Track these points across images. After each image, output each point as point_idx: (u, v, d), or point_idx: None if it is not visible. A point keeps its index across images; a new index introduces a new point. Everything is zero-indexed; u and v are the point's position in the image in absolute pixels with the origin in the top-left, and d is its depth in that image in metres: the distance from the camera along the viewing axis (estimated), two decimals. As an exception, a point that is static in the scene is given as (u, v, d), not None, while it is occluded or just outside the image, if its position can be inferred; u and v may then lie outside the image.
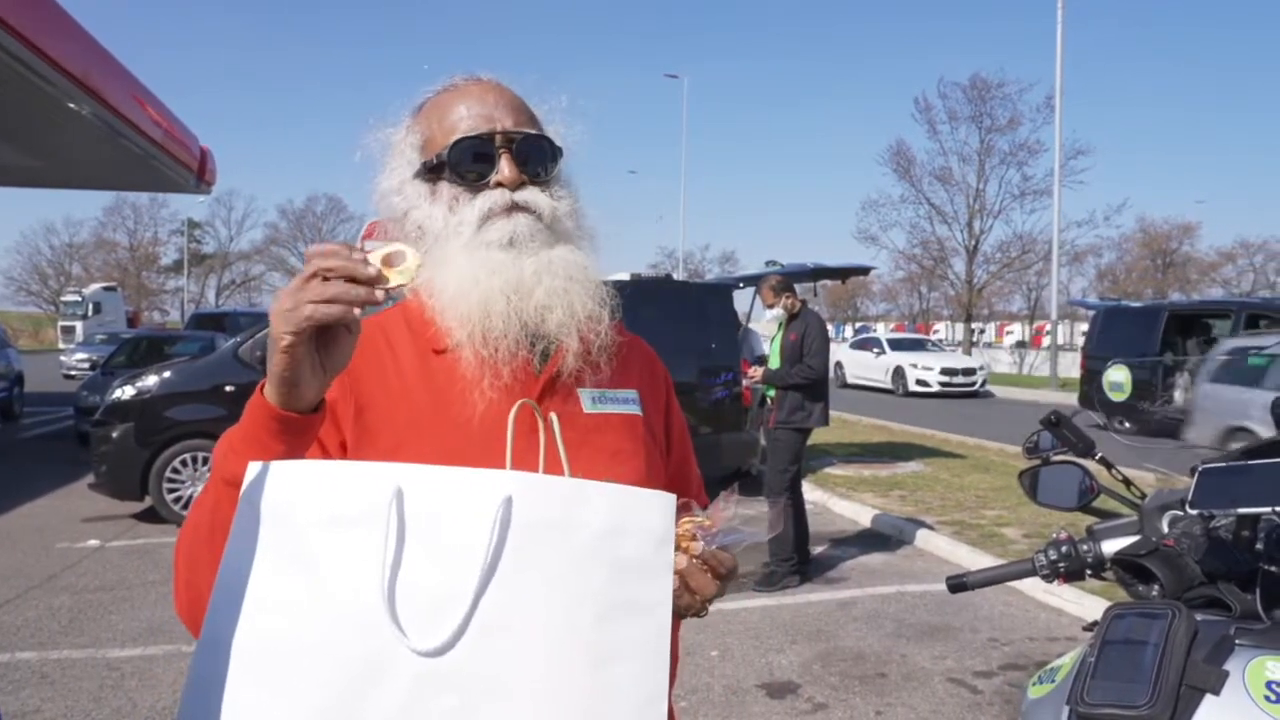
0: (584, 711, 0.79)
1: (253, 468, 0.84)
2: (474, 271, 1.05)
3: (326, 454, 1.02)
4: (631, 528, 0.84)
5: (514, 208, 1.08)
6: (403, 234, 1.12)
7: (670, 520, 0.85)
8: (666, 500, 0.86)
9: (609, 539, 0.83)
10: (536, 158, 1.11)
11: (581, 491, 0.84)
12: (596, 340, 1.11)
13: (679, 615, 0.95)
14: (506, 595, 0.79)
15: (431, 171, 1.12)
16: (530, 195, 1.09)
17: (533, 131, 1.11)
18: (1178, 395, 13.38)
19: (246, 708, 0.78)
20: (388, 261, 0.87)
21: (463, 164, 1.10)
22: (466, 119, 1.10)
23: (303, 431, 0.91)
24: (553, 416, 0.95)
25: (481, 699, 0.78)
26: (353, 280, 0.84)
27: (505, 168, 1.09)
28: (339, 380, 1.06)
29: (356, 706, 0.77)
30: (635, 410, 1.17)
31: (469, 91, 1.13)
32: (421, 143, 1.14)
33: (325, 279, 0.84)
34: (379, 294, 0.86)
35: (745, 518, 0.98)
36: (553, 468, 0.98)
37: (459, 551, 0.79)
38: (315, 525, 0.81)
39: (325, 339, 0.87)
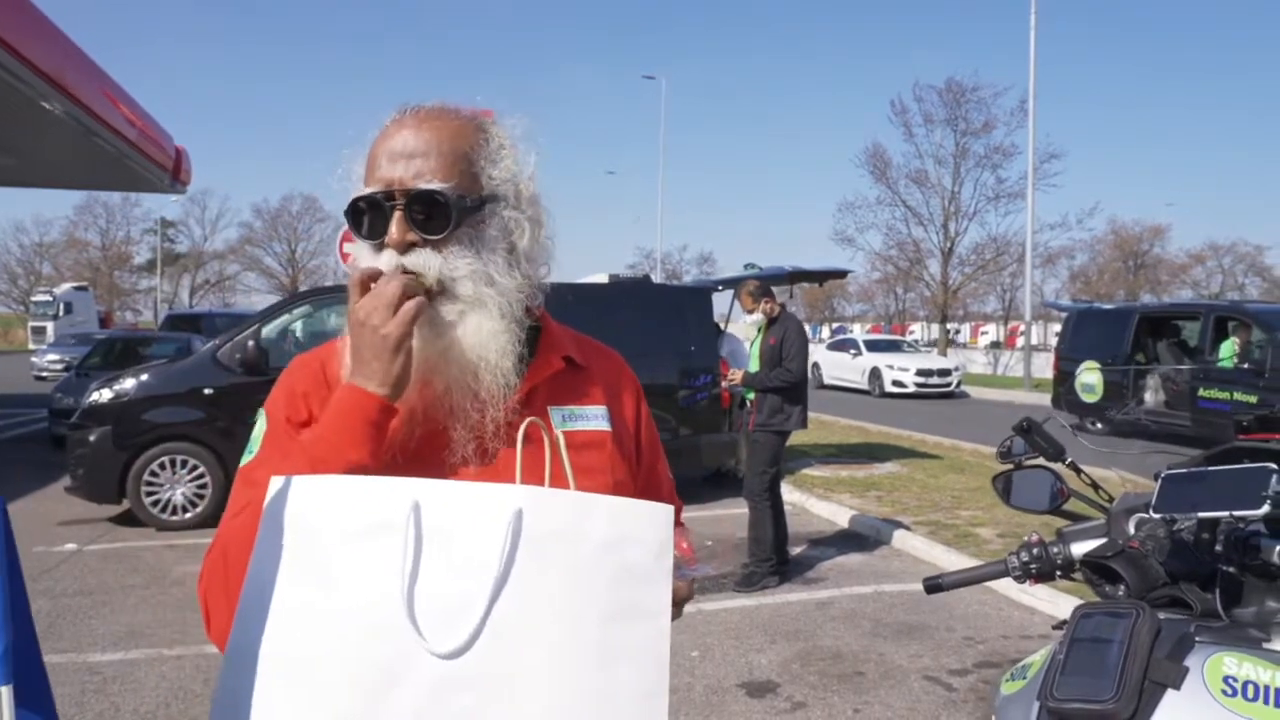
0: (591, 708, 0.85)
1: (274, 483, 0.89)
2: None
3: None
4: (633, 538, 0.89)
5: (404, 274, 1.07)
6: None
7: (668, 531, 0.91)
8: (665, 512, 0.91)
9: (612, 548, 0.88)
10: (430, 214, 1.08)
11: (586, 504, 0.90)
12: (561, 375, 1.19)
13: None
14: (518, 601, 0.85)
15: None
16: (418, 260, 1.08)
17: (431, 186, 1.08)
18: (1148, 397, 13.62)
19: (275, 710, 0.83)
20: None
21: (359, 224, 1.11)
22: (374, 171, 1.11)
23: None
24: (559, 434, 1.00)
25: (495, 698, 0.83)
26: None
27: (393, 229, 1.08)
28: (321, 400, 1.12)
29: (379, 706, 0.83)
30: (604, 426, 1.21)
31: (390, 135, 1.12)
32: (360, 178, 1.15)
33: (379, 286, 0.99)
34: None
35: (698, 547, 1.06)
36: (557, 481, 1.03)
37: (473, 560, 0.85)
38: (337, 537, 0.86)
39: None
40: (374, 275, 1.04)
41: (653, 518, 0.91)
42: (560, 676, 0.85)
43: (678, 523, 1.11)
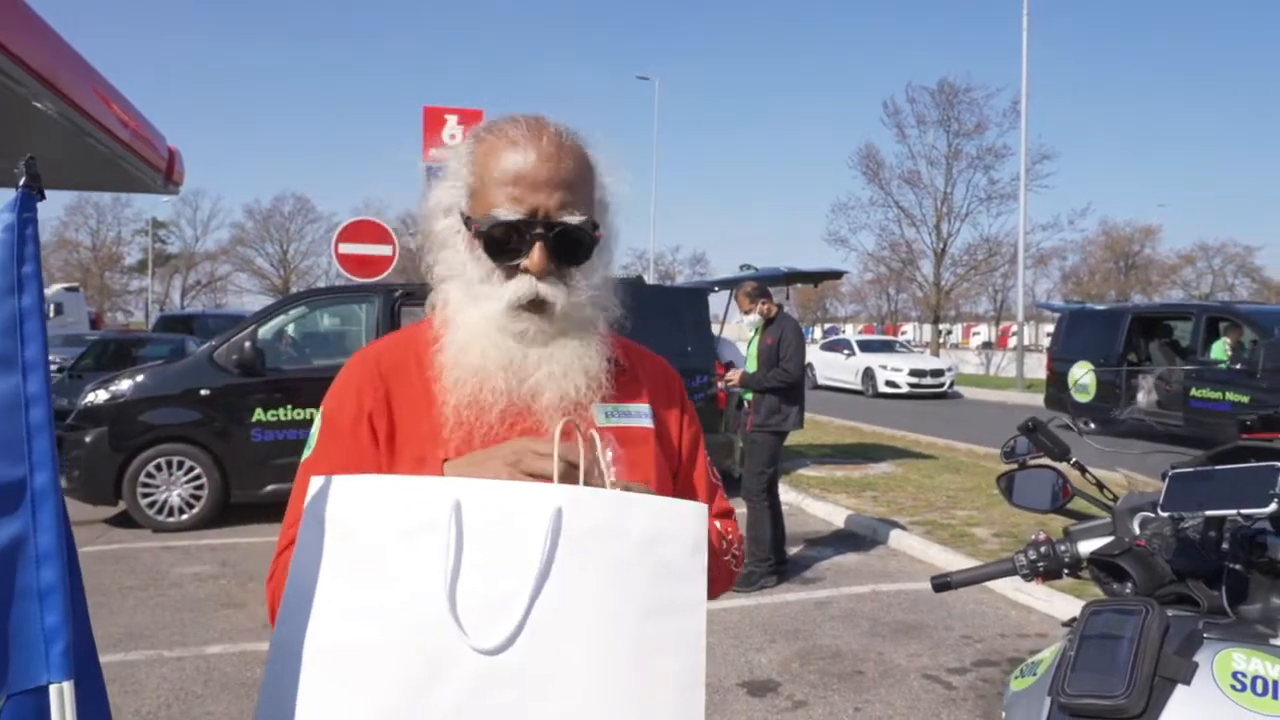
0: (631, 702, 0.87)
1: (315, 482, 0.90)
2: (484, 346, 1.14)
3: (377, 469, 1.12)
4: (668, 535, 0.91)
5: (534, 302, 1.13)
6: (436, 258, 1.20)
7: (703, 528, 0.93)
8: (699, 510, 0.93)
9: (649, 546, 0.90)
10: (572, 245, 1.14)
11: (623, 502, 0.92)
12: (606, 374, 1.20)
13: None
14: (558, 598, 0.87)
15: (472, 230, 1.16)
16: (551, 290, 1.13)
17: (574, 219, 1.13)
18: (1140, 397, 13.69)
19: (320, 706, 0.85)
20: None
21: (497, 244, 1.14)
22: (513, 192, 1.12)
23: None
24: (593, 434, 1.02)
25: (537, 693, 0.85)
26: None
27: (535, 256, 1.12)
28: (375, 394, 1.17)
29: (422, 701, 0.84)
30: (647, 424, 1.26)
31: (524, 153, 1.13)
32: (472, 187, 1.17)
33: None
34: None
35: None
36: (595, 478, 1.05)
37: (514, 558, 0.87)
38: (379, 535, 0.88)
39: None
40: (567, 459, 1.00)
41: (688, 515, 0.93)
42: (599, 672, 0.87)
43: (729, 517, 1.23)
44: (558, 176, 1.13)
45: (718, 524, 1.31)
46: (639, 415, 1.25)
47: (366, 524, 0.88)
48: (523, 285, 1.13)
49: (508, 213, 1.12)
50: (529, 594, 0.86)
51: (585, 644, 0.87)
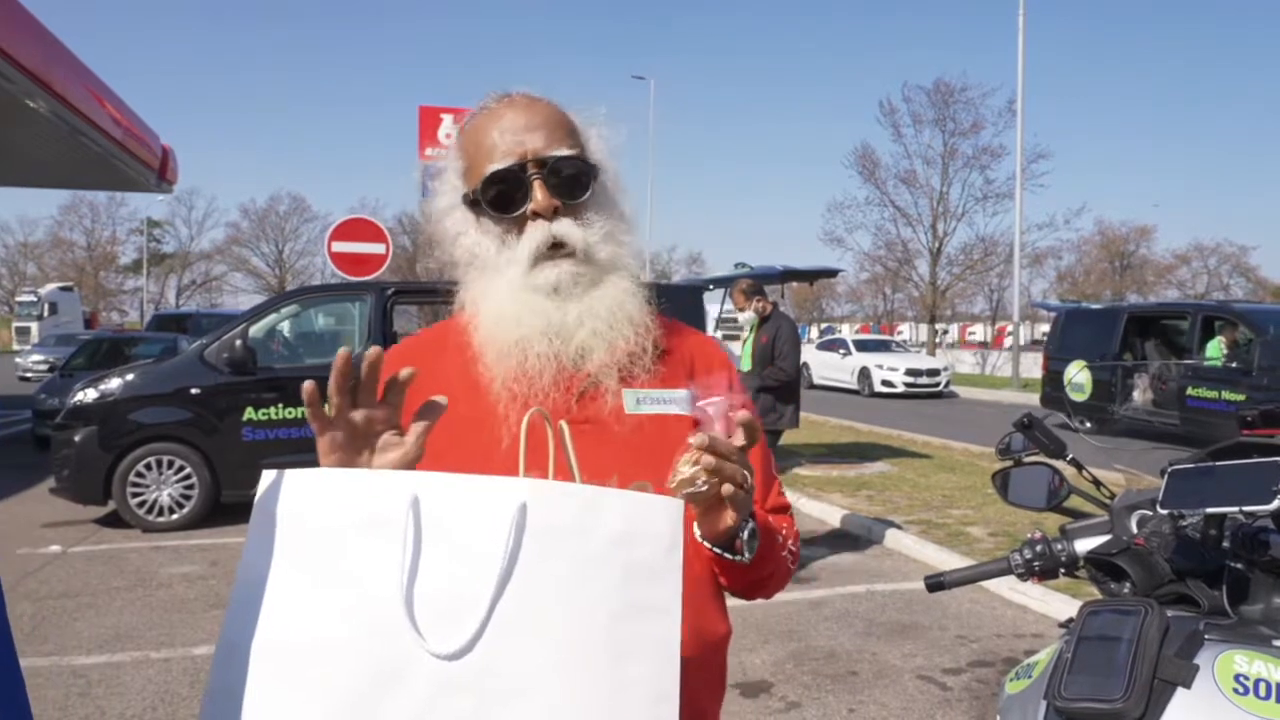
0: (599, 710, 0.81)
1: (266, 476, 0.85)
2: (517, 312, 1.11)
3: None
4: (642, 533, 0.86)
5: (555, 246, 1.11)
6: (453, 256, 1.18)
7: (679, 525, 0.87)
8: (675, 506, 0.88)
9: (620, 544, 0.85)
10: (570, 178, 1.13)
11: (593, 498, 0.86)
12: (641, 355, 1.16)
13: (736, 509, 1.01)
14: (522, 599, 0.81)
15: (474, 203, 1.16)
16: (566, 228, 1.11)
17: (563, 152, 1.12)
18: (1136, 396, 13.67)
19: (267, 711, 0.79)
20: None
21: (498, 198, 1.13)
22: (499, 147, 1.12)
23: None
24: (562, 424, 0.97)
25: (499, 701, 0.80)
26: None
27: (539, 194, 1.11)
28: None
29: (375, 709, 0.79)
30: (684, 411, 1.17)
31: (499, 115, 1.14)
32: (463, 169, 1.17)
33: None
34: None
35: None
36: (564, 474, 0.99)
37: (475, 557, 0.81)
38: (333, 532, 0.82)
39: None
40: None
41: (663, 512, 0.87)
42: (566, 677, 0.81)
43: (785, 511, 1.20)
44: (537, 119, 1.13)
45: (770, 519, 1.24)
46: (675, 402, 1.18)
47: (319, 520, 0.83)
48: (539, 232, 1.12)
49: (499, 164, 1.11)
50: (490, 595, 0.80)
51: (551, 648, 0.81)
